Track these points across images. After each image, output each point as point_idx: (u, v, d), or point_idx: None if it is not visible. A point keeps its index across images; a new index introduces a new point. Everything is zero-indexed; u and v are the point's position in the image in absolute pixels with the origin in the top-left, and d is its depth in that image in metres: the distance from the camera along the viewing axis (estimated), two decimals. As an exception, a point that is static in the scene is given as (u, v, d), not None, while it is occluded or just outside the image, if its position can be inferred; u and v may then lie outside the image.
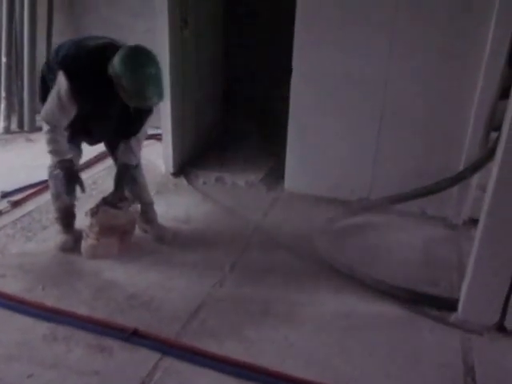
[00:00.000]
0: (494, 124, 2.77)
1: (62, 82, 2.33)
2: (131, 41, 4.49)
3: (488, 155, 2.71)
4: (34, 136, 4.41)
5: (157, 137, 4.22)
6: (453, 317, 2.28)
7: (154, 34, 3.46)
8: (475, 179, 2.91)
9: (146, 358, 2.01)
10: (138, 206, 2.79)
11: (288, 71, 3.20)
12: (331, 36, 3.06)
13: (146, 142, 4.31)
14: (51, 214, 2.89)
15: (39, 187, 3.33)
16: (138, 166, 2.78)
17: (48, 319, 2.19)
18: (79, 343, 2.07)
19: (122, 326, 2.14)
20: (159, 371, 1.95)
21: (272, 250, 2.83)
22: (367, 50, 3.01)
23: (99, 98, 2.37)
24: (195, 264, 2.65)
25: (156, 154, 3.91)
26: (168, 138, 3.67)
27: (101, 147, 2.89)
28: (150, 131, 4.40)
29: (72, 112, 2.39)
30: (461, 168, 2.93)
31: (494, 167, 2.01)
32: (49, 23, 4.55)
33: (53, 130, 2.42)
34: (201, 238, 2.90)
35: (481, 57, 2.75)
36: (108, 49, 2.36)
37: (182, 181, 3.64)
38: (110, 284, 2.47)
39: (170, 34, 3.39)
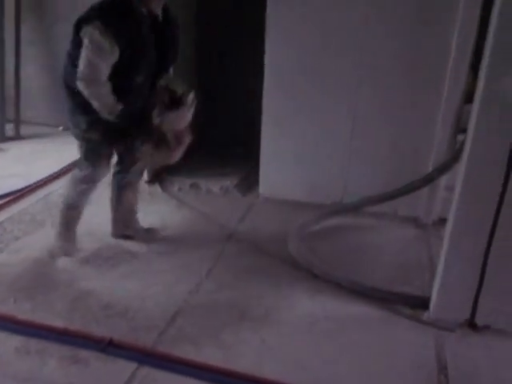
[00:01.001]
0: (460, 127, 2.85)
1: (92, 31, 2.25)
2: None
3: (455, 157, 2.80)
4: (4, 145, 4.35)
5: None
6: (425, 315, 2.33)
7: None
8: (443, 180, 2.99)
9: (123, 368, 1.99)
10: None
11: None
12: (300, 38, 3.11)
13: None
14: (23, 225, 2.85)
15: (11, 197, 3.28)
16: None
17: (20, 332, 2.15)
18: (53, 356, 2.04)
19: (98, 336, 2.12)
20: (136, 381, 1.94)
21: (248, 254, 2.85)
22: (339, 56, 3.07)
23: (133, 30, 2.32)
24: (171, 271, 2.65)
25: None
26: (142, 145, 3.66)
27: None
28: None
29: (113, 57, 2.28)
30: (430, 170, 3.00)
31: (461, 168, 2.06)
32: (17, 32, 4.48)
33: (94, 83, 2.32)
34: (177, 245, 2.90)
35: (446, 63, 2.83)
36: None
37: (157, 188, 3.64)
38: (84, 294, 2.44)
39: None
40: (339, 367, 2.07)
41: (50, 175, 3.68)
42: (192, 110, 2.57)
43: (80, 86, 2.33)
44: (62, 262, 2.68)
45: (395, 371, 2.06)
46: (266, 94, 3.26)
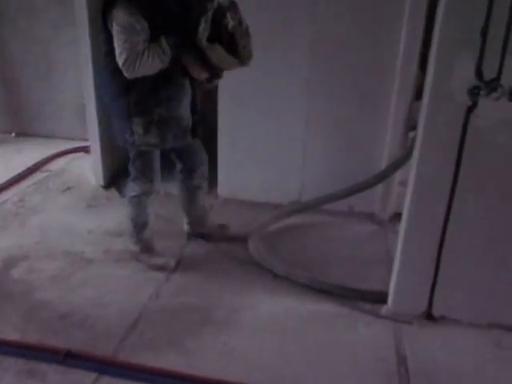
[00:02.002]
0: (411, 124, 2.92)
1: (118, 12, 2.23)
2: (53, 54, 4.44)
3: (407, 153, 2.86)
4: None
5: (85, 149, 4.13)
6: (384, 309, 2.37)
7: (76, 46, 3.39)
8: (397, 176, 3.06)
9: (82, 379, 1.95)
10: None
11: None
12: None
13: (74, 156, 4.25)
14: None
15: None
16: None
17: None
18: (9, 370, 1.98)
19: (55, 348, 2.07)
20: (96, 391, 1.91)
21: (208, 257, 2.84)
22: (289, 56, 3.08)
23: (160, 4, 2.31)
24: (130, 277, 2.61)
25: (85, 167, 3.82)
26: (97, 149, 3.59)
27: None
28: (78, 144, 4.34)
29: (144, 32, 2.25)
30: (384, 166, 3.06)
31: (412, 164, 2.12)
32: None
33: (137, 59, 2.24)
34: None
35: (395, 61, 2.89)
36: None
37: (114, 193, 3.57)
38: (41, 304, 2.38)
39: (92, 46, 3.32)
40: (302, 365, 2.08)
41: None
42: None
43: (126, 69, 2.26)
44: (16, 272, 2.60)
45: (356, 366, 2.09)
46: (221, 95, 3.25)
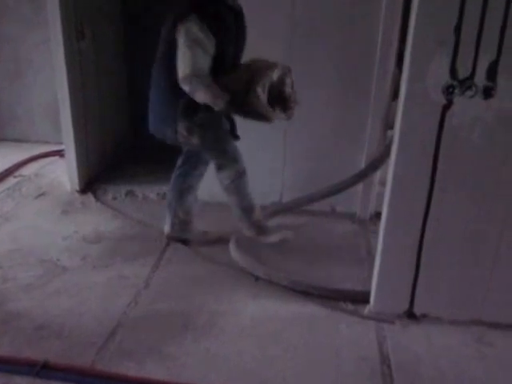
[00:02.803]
0: (390, 123, 2.92)
1: (191, 26, 2.29)
2: (24, 54, 4.33)
3: (385, 152, 2.87)
4: None
5: (60, 153, 4.05)
6: (366, 309, 2.37)
7: (49, 46, 3.31)
8: (377, 175, 3.06)
9: (59, 391, 1.90)
10: None
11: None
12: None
13: (47, 160, 4.15)
14: None
15: None
16: None
17: None
18: (-17, 385, 1.92)
19: (31, 360, 2.00)
20: (74, 403, 1.86)
21: (188, 261, 2.79)
22: (268, 45, 3.04)
23: (225, 23, 2.38)
24: (108, 284, 2.55)
25: (60, 172, 3.74)
26: (71, 153, 3.52)
27: None
28: (52, 147, 4.25)
29: (211, 49, 2.33)
30: (363, 165, 3.06)
31: (391, 163, 2.11)
32: None
33: (199, 77, 2.33)
34: (113, 256, 2.80)
35: (373, 62, 2.89)
36: None
37: (90, 198, 3.51)
38: (15, 315, 2.30)
39: (65, 46, 3.25)
40: (285, 368, 2.05)
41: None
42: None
43: (184, 83, 2.33)
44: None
45: (339, 367, 2.07)
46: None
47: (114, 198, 3.54)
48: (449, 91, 1.89)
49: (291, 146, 3.22)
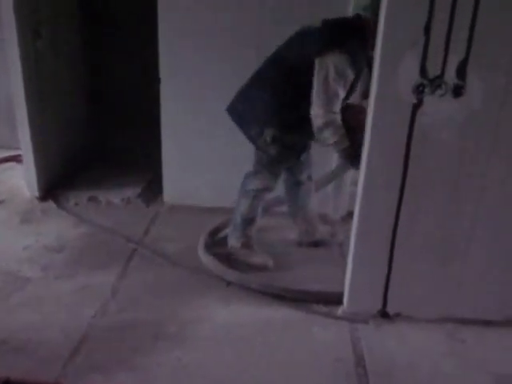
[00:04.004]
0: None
1: (342, 60, 2.27)
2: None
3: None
4: None
5: (16, 158, 3.89)
6: (340, 310, 2.35)
7: (3, 46, 3.16)
8: (349, 175, 3.06)
9: (23, 409, 1.80)
10: None
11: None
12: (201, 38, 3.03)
13: (5, 165, 3.98)
14: None
15: None
16: None
17: None
18: None
19: (-8, 378, 1.89)
20: (40, 422, 1.76)
21: (156, 268, 2.71)
22: (235, 58, 3.03)
23: (363, 58, 2.33)
24: (73, 295, 2.44)
25: (17, 178, 3.58)
26: (29, 158, 3.37)
27: None
28: (8, 153, 4.07)
29: (348, 86, 2.34)
30: (334, 165, 3.05)
31: (362, 163, 2.09)
32: None
33: (332, 112, 2.33)
34: (77, 266, 2.69)
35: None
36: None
37: (51, 205, 3.37)
38: (-27, 332, 2.18)
39: (20, 46, 3.12)
40: (259, 374, 2.01)
41: None
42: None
43: (316, 113, 2.32)
44: None
45: (315, 369, 2.05)
46: (164, 96, 3.13)
47: (76, 205, 3.42)
48: (419, 90, 1.89)
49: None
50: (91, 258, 2.76)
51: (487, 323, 2.28)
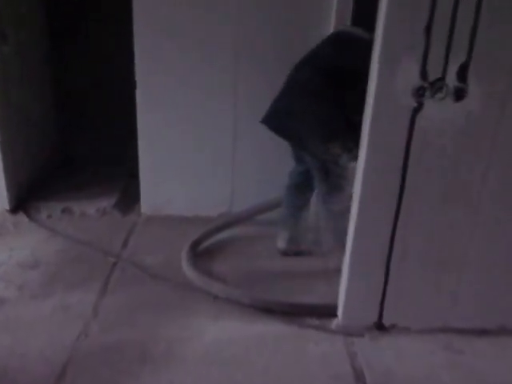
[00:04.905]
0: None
1: None
2: None
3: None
4: None
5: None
6: (334, 323, 2.27)
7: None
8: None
9: None
10: None
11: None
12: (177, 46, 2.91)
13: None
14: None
15: None
16: None
17: None
18: None
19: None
20: None
21: (138, 283, 2.57)
22: (214, 57, 2.91)
23: None
24: (52, 316, 2.28)
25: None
26: (-3, 168, 3.17)
27: None
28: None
29: None
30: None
31: (358, 170, 2.02)
32: None
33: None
34: (54, 283, 2.52)
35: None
36: None
37: (22, 217, 3.18)
38: None
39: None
40: (255, 395, 1.92)
41: None
42: None
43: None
44: None
45: (312, 388, 1.97)
46: (140, 100, 2.99)
47: (49, 217, 3.24)
48: (419, 93, 1.83)
49: (240, 151, 3.09)
50: (69, 275, 2.60)
51: (483, 332, 2.24)
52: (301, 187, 2.75)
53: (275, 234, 2.91)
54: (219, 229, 2.93)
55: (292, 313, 2.34)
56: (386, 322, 2.23)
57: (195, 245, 2.79)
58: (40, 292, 2.45)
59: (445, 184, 1.98)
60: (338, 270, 2.33)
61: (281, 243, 2.85)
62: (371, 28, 1.89)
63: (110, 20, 3.77)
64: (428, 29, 1.76)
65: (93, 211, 3.29)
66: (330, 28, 2.77)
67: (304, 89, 2.39)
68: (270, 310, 2.35)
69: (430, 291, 2.18)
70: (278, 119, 2.48)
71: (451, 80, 1.82)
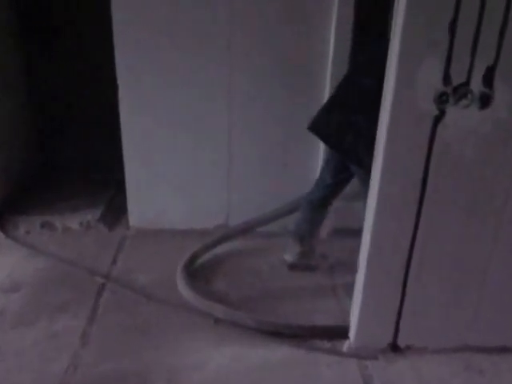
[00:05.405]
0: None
1: None
2: None
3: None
4: None
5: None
6: (346, 346, 2.11)
7: None
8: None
9: None
10: None
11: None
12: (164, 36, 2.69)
13: None
14: None
15: None
16: None
17: None
18: None
19: None
20: None
21: (130, 306, 2.36)
22: (206, 55, 2.71)
23: None
24: (36, 346, 2.06)
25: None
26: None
27: None
28: None
29: None
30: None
31: (373, 183, 1.87)
32: None
33: None
34: (38, 309, 2.30)
35: (326, 60, 2.67)
36: None
37: (-2, 234, 2.94)
38: None
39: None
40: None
41: None
42: None
43: None
44: None
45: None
46: (123, 105, 2.76)
47: (28, 233, 2.99)
48: (441, 100, 1.68)
49: (237, 160, 2.89)
50: (53, 298, 2.37)
51: (503, 350, 2.11)
52: (324, 202, 2.59)
53: (275, 246, 2.74)
54: (218, 242, 2.74)
55: (300, 335, 2.17)
56: (401, 342, 2.08)
57: (191, 261, 2.60)
58: (22, 319, 2.22)
59: (466, 197, 1.84)
60: (346, 286, 2.17)
61: (290, 256, 2.67)
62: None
63: (90, 18, 3.54)
64: (453, 25, 1.60)
65: (76, 225, 3.06)
66: (331, 31, 2.62)
67: (366, 100, 2.17)
68: (275, 333, 2.18)
69: (449, 308, 2.04)
70: (335, 133, 2.32)
71: (476, 85, 1.68)
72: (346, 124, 2.26)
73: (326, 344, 2.16)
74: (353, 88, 2.29)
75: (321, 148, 2.80)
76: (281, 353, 2.11)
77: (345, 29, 2.58)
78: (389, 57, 1.72)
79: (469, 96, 1.68)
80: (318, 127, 2.38)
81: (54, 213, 3.15)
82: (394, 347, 2.09)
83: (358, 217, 2.86)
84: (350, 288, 2.13)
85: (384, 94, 1.76)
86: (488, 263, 1.96)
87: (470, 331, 2.08)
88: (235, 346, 2.13)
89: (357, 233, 2.83)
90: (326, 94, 2.67)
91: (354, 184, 2.81)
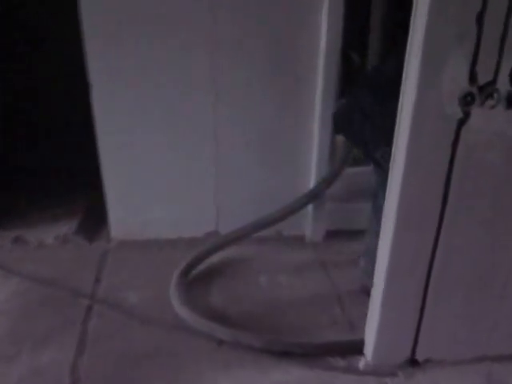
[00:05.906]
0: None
1: None
2: None
3: (341, 165, 2.54)
4: None
5: None
6: (362, 363, 1.97)
7: None
8: (328, 190, 2.68)
9: None
10: None
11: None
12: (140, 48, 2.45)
13: None
14: None
15: None
16: None
17: None
18: None
19: None
20: None
21: (122, 329, 2.15)
22: (187, 47, 2.48)
23: None
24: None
25: None
26: None
27: None
28: None
29: None
30: (312, 180, 2.68)
31: (393, 191, 1.71)
32: None
33: None
34: (17, 341, 2.05)
35: (316, 58, 2.49)
36: None
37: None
38: None
39: None
40: None
41: None
42: None
43: None
44: None
45: None
46: (97, 102, 2.51)
47: (-2, 249, 2.73)
48: (467, 101, 1.53)
49: (225, 167, 2.69)
50: (34, 327, 2.13)
51: (523, 358, 2.03)
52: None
53: (270, 252, 2.58)
54: (210, 252, 2.55)
55: (312, 354, 2.02)
56: (420, 356, 1.96)
57: (184, 275, 2.40)
58: (1, 353, 1.98)
59: (492, 206, 1.70)
60: (351, 293, 2.02)
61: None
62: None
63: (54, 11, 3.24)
64: (480, 16, 1.45)
65: (51, 239, 2.80)
66: (322, 24, 2.44)
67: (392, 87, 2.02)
68: (286, 353, 2.02)
69: (469, 319, 1.93)
70: (360, 123, 2.16)
71: (502, 83, 1.53)
72: (370, 112, 2.14)
73: (341, 362, 2.01)
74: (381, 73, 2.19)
75: (314, 150, 2.64)
76: (295, 375, 1.94)
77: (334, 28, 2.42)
78: (408, 55, 1.56)
79: (495, 96, 1.53)
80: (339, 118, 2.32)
81: (26, 225, 2.87)
82: (413, 362, 1.97)
83: (353, 219, 2.77)
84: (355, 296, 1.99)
85: (403, 94, 1.60)
86: (510, 270, 1.85)
87: (490, 341, 1.98)
88: (245, 370, 1.95)
89: (352, 235, 2.74)
90: (317, 91, 2.52)
91: (349, 184, 2.70)
